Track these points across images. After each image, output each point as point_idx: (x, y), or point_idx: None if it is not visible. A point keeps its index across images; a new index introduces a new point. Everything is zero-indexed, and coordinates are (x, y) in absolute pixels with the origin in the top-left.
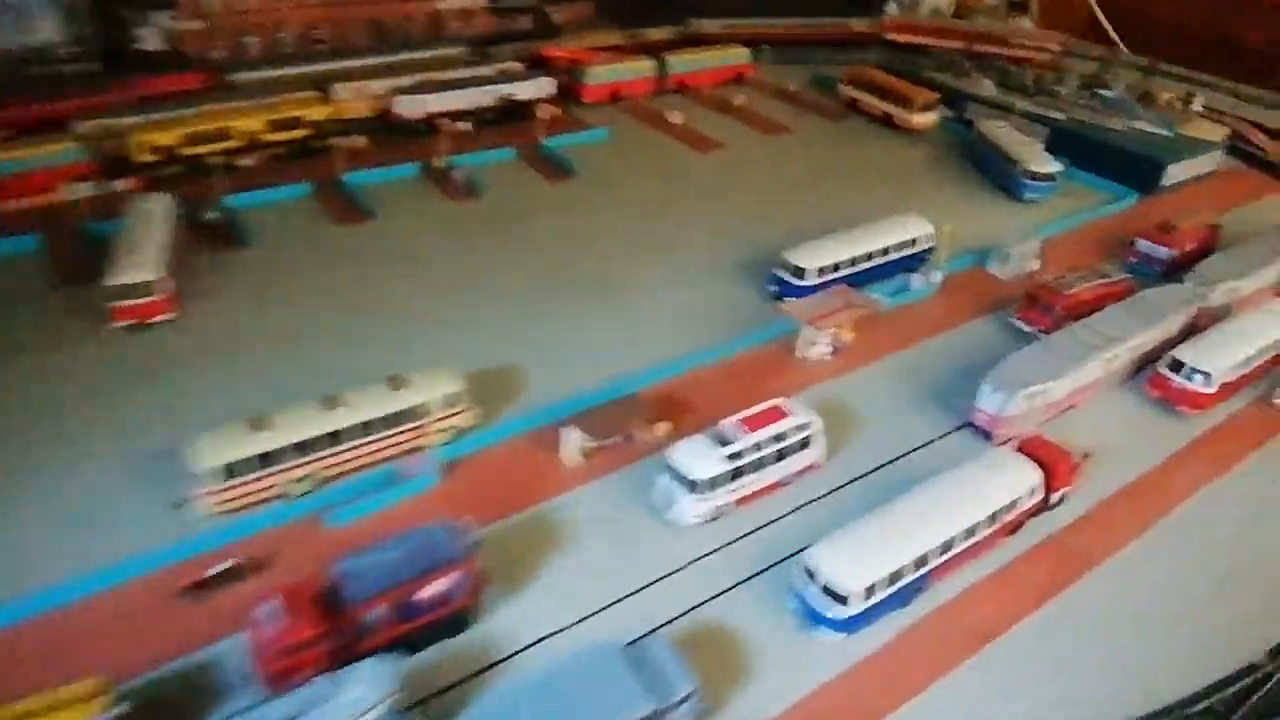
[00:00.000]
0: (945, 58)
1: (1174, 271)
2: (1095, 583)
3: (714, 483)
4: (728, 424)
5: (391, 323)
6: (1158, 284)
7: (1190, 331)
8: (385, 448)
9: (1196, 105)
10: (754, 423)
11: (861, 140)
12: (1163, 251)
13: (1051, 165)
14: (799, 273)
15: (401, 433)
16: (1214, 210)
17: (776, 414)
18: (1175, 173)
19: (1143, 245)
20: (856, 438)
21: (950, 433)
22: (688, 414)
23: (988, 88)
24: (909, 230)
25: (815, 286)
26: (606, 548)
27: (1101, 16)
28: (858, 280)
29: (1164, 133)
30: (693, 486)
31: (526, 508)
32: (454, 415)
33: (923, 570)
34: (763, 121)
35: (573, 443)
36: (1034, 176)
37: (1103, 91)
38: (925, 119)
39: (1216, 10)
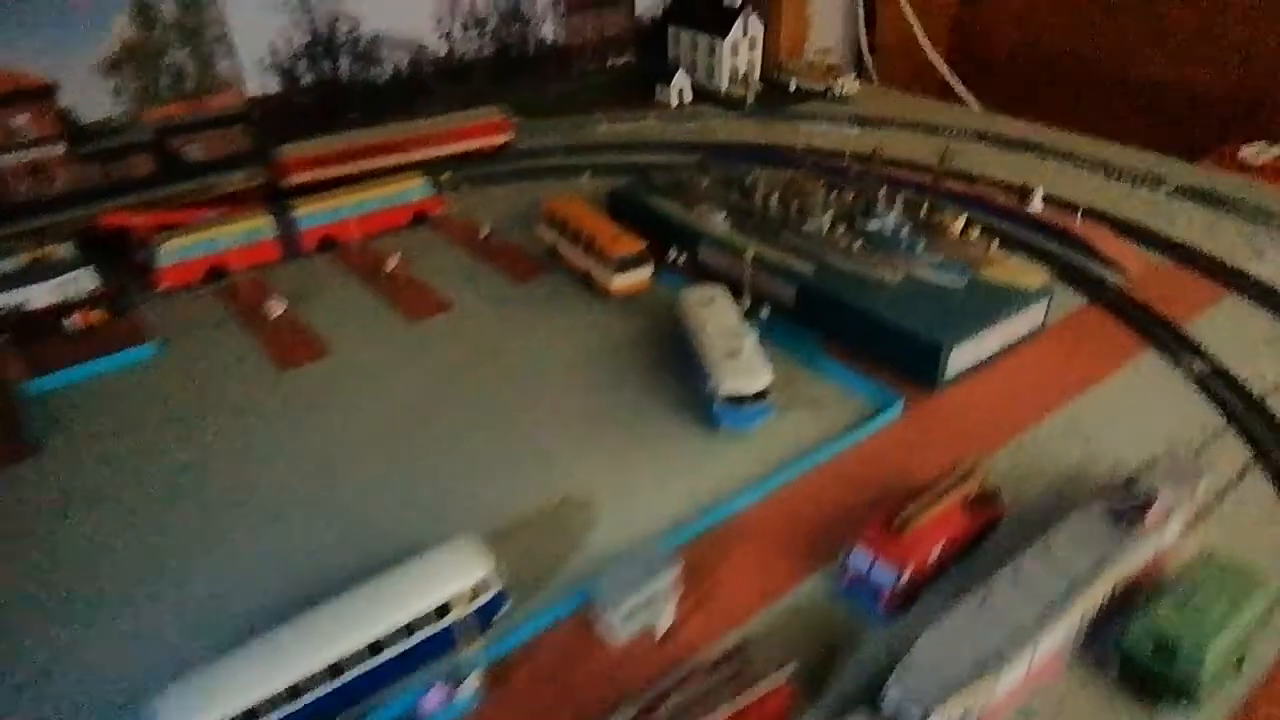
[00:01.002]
0: (677, 176)
1: (908, 602)
2: None
3: None
4: None
5: None
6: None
7: None
8: None
9: (1035, 203)
10: None
11: (540, 320)
12: (885, 574)
13: (757, 379)
14: None
15: None
16: (1036, 408)
17: None
18: (966, 356)
19: (855, 559)
20: None
21: None
22: None
23: (718, 224)
24: (437, 583)
25: None
26: None
27: (943, 67)
28: (327, 711)
29: (954, 283)
30: None
31: None
32: None
33: None
34: (414, 297)
35: None
36: (733, 400)
37: (869, 223)
38: (626, 280)
39: (1118, 43)
